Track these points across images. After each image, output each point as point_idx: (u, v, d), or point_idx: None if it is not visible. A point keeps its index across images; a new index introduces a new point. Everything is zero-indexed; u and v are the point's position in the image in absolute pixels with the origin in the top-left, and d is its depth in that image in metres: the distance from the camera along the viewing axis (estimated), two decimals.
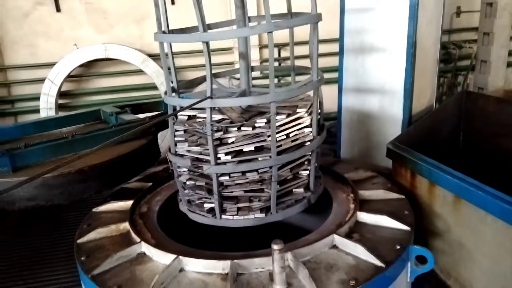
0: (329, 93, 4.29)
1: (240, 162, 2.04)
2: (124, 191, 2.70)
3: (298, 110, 2.17)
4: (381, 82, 3.18)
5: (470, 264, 2.13)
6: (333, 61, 3.61)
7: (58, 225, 3.34)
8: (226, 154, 2.04)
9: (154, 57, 4.83)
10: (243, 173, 2.07)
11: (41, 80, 4.80)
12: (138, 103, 3.47)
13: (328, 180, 2.68)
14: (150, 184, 2.75)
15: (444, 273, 2.36)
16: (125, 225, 2.24)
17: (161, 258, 1.91)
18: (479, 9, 5.03)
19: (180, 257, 1.85)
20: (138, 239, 2.06)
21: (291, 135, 2.13)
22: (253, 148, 2.06)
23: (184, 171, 2.22)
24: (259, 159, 2.04)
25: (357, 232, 2.05)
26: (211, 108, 1.98)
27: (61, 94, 4.95)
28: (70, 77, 4.93)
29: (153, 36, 2.09)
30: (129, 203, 2.48)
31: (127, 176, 2.63)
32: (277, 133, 2.04)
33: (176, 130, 2.18)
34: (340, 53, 3.35)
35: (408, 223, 2.07)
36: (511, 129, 3.20)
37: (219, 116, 2.16)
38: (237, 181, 2.09)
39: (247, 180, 2.09)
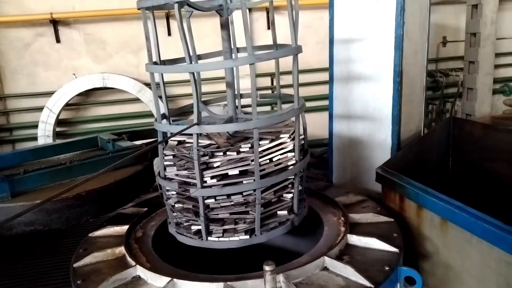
0: (321, 119, 4.44)
1: (225, 185, 2.12)
2: (120, 216, 2.75)
3: (281, 135, 2.26)
4: (370, 109, 3.29)
5: (458, 285, 2.18)
6: (325, 90, 3.74)
7: (54, 250, 3.35)
8: (212, 177, 2.12)
9: (150, 86, 4.94)
10: (228, 195, 2.15)
11: (40, 109, 4.89)
12: (135, 130, 3.56)
13: (319, 204, 2.75)
14: (145, 209, 2.80)
15: None
16: (121, 249, 2.28)
17: (156, 281, 1.95)
18: (464, 38, 5.24)
19: (175, 279, 1.90)
20: (133, 263, 2.11)
21: (274, 159, 2.21)
22: (237, 172, 2.14)
23: (172, 194, 2.30)
24: (244, 182, 2.12)
25: (347, 254, 2.10)
26: (197, 134, 2.07)
27: (59, 122, 5.03)
28: (68, 105, 5.03)
29: (145, 67, 2.21)
30: (124, 228, 2.53)
31: (123, 201, 2.69)
32: (261, 157, 2.13)
33: (165, 155, 2.27)
34: (330, 81, 3.47)
35: (397, 245, 2.13)
36: (497, 153, 3.30)
37: (207, 141, 2.25)
38: (223, 204, 2.16)
39: (232, 203, 2.16)
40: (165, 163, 2.27)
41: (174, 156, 2.26)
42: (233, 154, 2.14)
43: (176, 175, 2.23)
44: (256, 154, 2.07)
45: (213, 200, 2.15)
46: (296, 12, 2.16)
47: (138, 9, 2.13)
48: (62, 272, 3.01)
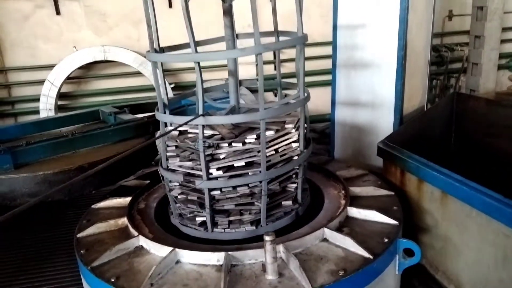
0: (324, 94, 4.40)
1: (231, 177, 2.11)
2: (122, 189, 2.77)
3: (286, 126, 2.26)
4: (373, 84, 3.27)
5: (456, 257, 2.21)
6: (328, 64, 3.70)
7: (58, 222, 3.40)
8: (218, 169, 2.10)
9: None
10: (234, 187, 2.14)
11: (41, 82, 4.87)
12: (136, 103, 3.54)
13: (320, 178, 2.76)
14: (148, 182, 2.82)
15: (432, 268, 2.44)
16: (124, 220, 2.31)
17: (158, 250, 1.99)
18: (471, 12, 5.14)
19: (177, 249, 1.92)
20: (136, 233, 2.14)
21: (279, 150, 2.21)
22: (243, 164, 2.13)
23: (175, 185, 2.28)
24: (250, 173, 2.11)
25: (347, 226, 2.12)
26: (203, 125, 2.06)
27: (60, 96, 5.02)
28: (69, 78, 5.00)
29: (146, 55, 2.16)
30: (127, 199, 2.56)
31: (125, 174, 2.70)
32: (267, 148, 2.11)
33: (168, 146, 2.24)
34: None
35: (397, 217, 2.15)
36: (501, 130, 3.28)
37: (210, 132, 2.23)
38: (228, 195, 2.16)
39: (237, 194, 2.16)
40: (168, 154, 2.25)
41: (176, 147, 2.23)
42: (238, 146, 2.12)
43: (180, 166, 2.20)
44: (263, 146, 2.06)
45: (218, 191, 2.14)
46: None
47: None
48: (66, 243, 3.06)
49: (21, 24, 4.96)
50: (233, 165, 2.13)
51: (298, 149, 2.27)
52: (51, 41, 5.06)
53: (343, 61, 3.39)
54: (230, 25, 2.31)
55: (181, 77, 5.25)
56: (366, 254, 1.87)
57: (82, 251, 2.10)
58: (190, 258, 1.91)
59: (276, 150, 2.19)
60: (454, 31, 5.72)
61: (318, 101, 4.17)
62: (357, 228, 2.11)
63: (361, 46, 3.27)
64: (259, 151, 2.09)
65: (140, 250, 2.06)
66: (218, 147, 2.11)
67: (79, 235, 2.26)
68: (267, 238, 1.71)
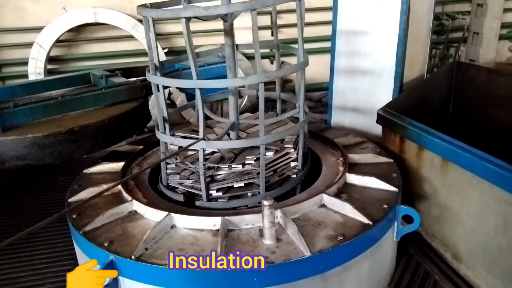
0: (322, 62, 4.29)
1: (230, 198, 2.15)
2: (115, 154, 2.71)
3: (285, 146, 2.29)
4: (374, 50, 3.17)
5: (455, 225, 2.19)
6: (327, 30, 3.58)
7: (48, 188, 3.34)
8: (218, 190, 2.13)
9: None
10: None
11: (29, 45, 4.68)
12: (128, 67, 3.41)
13: (317, 145, 2.71)
14: (141, 147, 2.75)
15: (429, 235, 2.43)
16: None
17: (152, 215, 1.94)
18: None
19: (172, 214, 1.88)
20: (129, 198, 2.09)
21: (278, 170, 2.24)
22: (243, 185, 2.16)
23: None
24: (249, 195, 2.15)
25: (345, 193, 2.09)
26: (203, 149, 2.08)
27: (50, 60, 4.84)
28: (59, 42, 4.81)
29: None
30: (120, 164, 2.49)
31: (117, 138, 2.62)
32: (266, 169, 2.13)
33: (168, 163, 2.27)
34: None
35: (396, 184, 2.11)
36: (500, 99, 3.23)
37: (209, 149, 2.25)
38: None
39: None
40: (168, 171, 2.28)
41: (176, 165, 2.27)
42: (238, 167, 2.16)
43: (180, 184, 2.23)
44: (262, 169, 2.07)
45: None
46: None
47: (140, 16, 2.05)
48: (57, 209, 3.01)
49: None
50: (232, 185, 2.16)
51: (296, 168, 2.30)
52: (39, 2, 4.83)
53: (344, 27, 3.28)
54: (231, 44, 2.25)
55: (175, 42, 5.08)
56: (365, 220, 1.84)
57: (73, 216, 2.04)
58: (185, 222, 1.86)
59: (275, 171, 2.22)
60: None
61: (315, 69, 4.06)
62: (356, 194, 2.07)
63: (363, 11, 3.15)
64: (258, 174, 2.11)
65: (134, 215, 2.01)
66: (218, 169, 2.15)
67: (70, 200, 2.21)
68: (265, 203, 1.66)
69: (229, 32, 2.23)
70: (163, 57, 4.37)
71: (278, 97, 2.61)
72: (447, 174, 2.20)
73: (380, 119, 2.71)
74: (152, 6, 2.18)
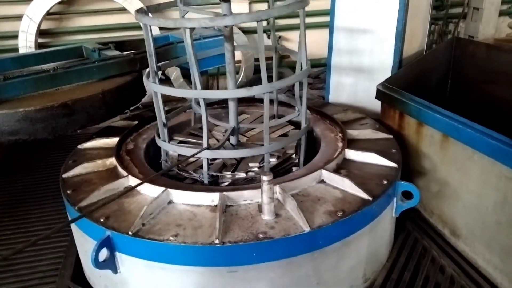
0: (320, 37, 4.20)
1: None
2: (109, 129, 2.65)
3: (287, 151, 2.32)
4: (374, 25, 3.10)
5: (454, 201, 2.18)
6: (326, 4, 3.49)
7: (42, 164, 3.30)
8: None
9: None
10: None
11: (19, 17, 4.55)
12: (122, 40, 3.31)
13: (316, 120, 2.67)
14: (136, 122, 2.70)
15: (427, 211, 2.42)
16: (112, 161, 2.21)
17: (149, 191, 1.90)
18: None
19: (169, 189, 1.84)
20: (125, 173, 2.05)
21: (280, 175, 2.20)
22: None
23: None
24: None
25: (344, 169, 2.06)
26: (207, 158, 2.10)
27: (40, 33, 4.71)
28: (49, 14, 4.67)
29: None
30: (115, 140, 2.44)
31: (111, 113, 2.56)
32: None
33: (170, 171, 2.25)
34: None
35: (396, 160, 2.09)
36: (499, 76, 3.19)
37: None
38: None
39: None
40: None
41: (179, 171, 2.25)
42: (241, 174, 2.17)
43: None
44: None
45: None
46: None
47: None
48: (52, 185, 2.97)
49: None
50: None
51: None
52: None
53: (343, 2, 3.19)
54: (232, 49, 2.22)
55: (168, 15, 4.96)
56: (365, 195, 1.82)
57: (68, 191, 2.01)
58: (183, 198, 1.83)
59: (277, 175, 2.16)
60: None
61: (313, 45, 3.98)
62: (355, 170, 2.05)
63: None
64: None
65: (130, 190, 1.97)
66: (222, 177, 2.15)
67: (65, 175, 2.16)
68: (264, 178, 1.63)
69: (229, 37, 2.19)
70: (157, 31, 4.27)
71: (275, 99, 2.64)
72: (447, 150, 2.18)
73: (379, 95, 2.67)
74: (149, 8, 2.15)
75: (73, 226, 2.05)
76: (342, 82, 3.42)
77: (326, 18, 3.62)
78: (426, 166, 2.35)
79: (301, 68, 2.13)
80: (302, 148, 2.28)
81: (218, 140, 2.46)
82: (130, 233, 1.65)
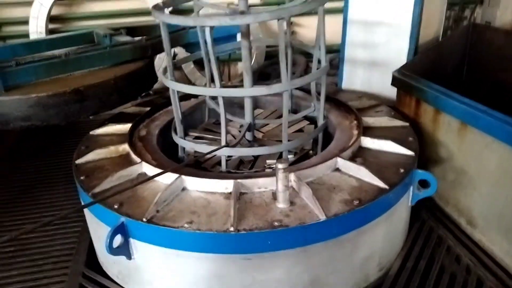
0: (334, 23, 4.11)
1: None
2: (121, 116, 2.64)
3: (304, 147, 2.30)
4: (389, 14, 3.03)
5: (470, 190, 2.14)
6: None
7: (55, 150, 3.31)
8: None
9: None
10: None
11: (30, 3, 4.53)
12: (133, 26, 3.27)
13: (330, 108, 2.63)
14: (148, 109, 2.68)
15: (442, 201, 2.39)
16: (125, 147, 2.20)
17: (163, 178, 1.88)
18: None
19: (183, 176, 1.83)
20: (138, 160, 2.04)
21: None
22: None
23: None
24: None
25: (360, 157, 2.03)
26: (225, 156, 2.10)
27: (51, 19, 4.69)
28: (60, 0, 4.66)
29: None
30: (127, 126, 2.43)
31: (124, 99, 2.54)
32: None
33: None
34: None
35: (413, 148, 2.05)
36: None
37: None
38: None
39: None
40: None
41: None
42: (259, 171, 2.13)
43: None
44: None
45: None
46: None
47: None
48: (65, 170, 2.98)
49: None
50: None
51: None
52: None
53: None
54: (248, 45, 2.17)
55: None
56: (381, 184, 1.79)
57: (81, 178, 2.00)
58: (197, 185, 1.82)
59: None
60: None
61: (328, 30, 3.91)
62: (371, 158, 2.01)
63: None
64: None
65: (143, 177, 1.96)
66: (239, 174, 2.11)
67: (77, 162, 2.16)
68: (279, 165, 1.61)
69: (245, 33, 2.15)
70: None
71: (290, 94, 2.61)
72: (464, 138, 2.13)
73: (395, 81, 2.62)
74: (165, 3, 2.10)
75: (86, 212, 2.06)
76: (356, 70, 3.37)
77: (338, 4, 3.54)
78: (442, 154, 2.31)
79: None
80: (319, 144, 2.26)
81: (233, 136, 2.45)
82: (144, 219, 1.64)
